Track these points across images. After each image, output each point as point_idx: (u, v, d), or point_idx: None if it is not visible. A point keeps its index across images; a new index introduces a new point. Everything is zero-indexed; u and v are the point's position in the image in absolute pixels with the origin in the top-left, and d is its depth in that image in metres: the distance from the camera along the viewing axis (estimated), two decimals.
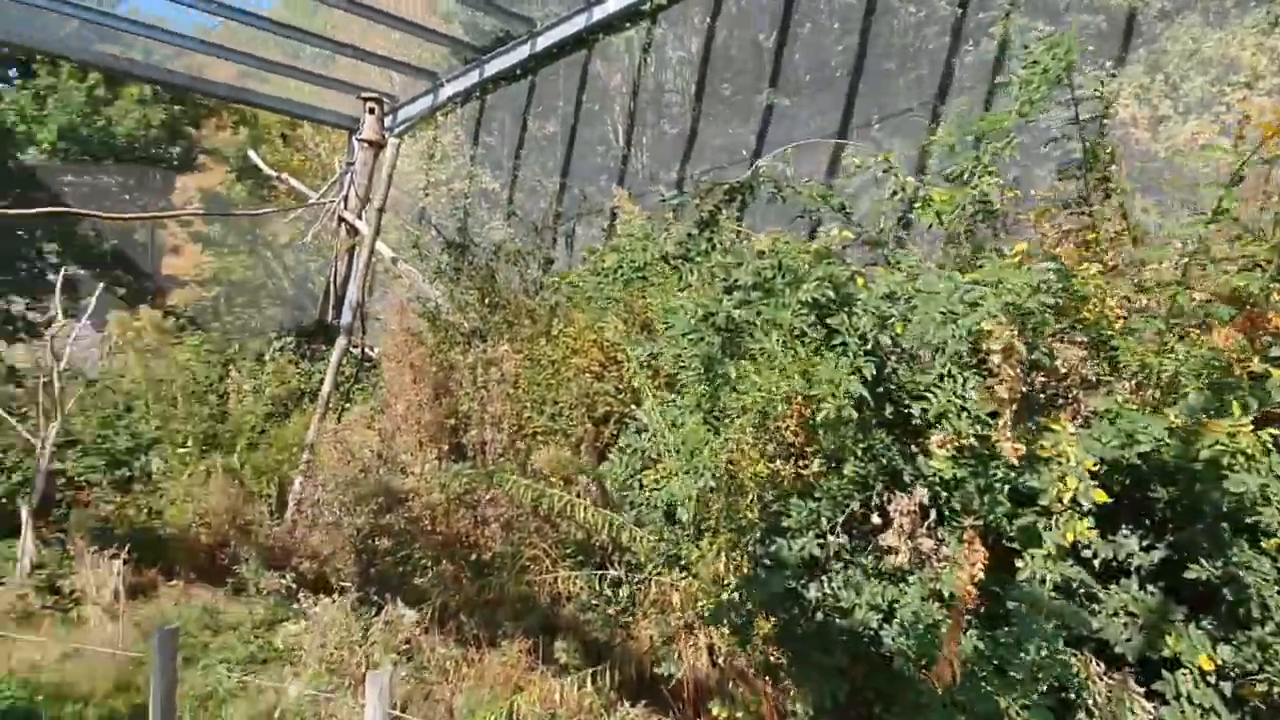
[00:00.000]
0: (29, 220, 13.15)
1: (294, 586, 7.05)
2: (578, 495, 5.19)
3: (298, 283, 23.98)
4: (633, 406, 5.86)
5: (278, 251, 23.56)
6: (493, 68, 13.73)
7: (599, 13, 12.37)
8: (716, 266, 5.70)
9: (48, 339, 9.36)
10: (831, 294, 4.60)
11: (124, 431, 9.43)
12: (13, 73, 14.47)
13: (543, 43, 13.06)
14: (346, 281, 12.80)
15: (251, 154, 13.05)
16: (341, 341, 7.52)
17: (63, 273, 8.51)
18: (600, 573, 5.52)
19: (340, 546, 6.74)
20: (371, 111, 12.51)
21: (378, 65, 14.56)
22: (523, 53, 13.31)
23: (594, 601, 5.55)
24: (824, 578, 4.54)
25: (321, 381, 10.08)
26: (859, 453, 4.47)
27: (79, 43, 12.55)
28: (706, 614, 4.53)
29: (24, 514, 7.37)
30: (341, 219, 12.38)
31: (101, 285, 8.17)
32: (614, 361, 6.70)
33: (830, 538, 4.56)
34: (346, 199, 12.49)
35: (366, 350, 11.49)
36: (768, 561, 4.52)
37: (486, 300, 7.98)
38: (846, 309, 4.61)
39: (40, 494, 7.29)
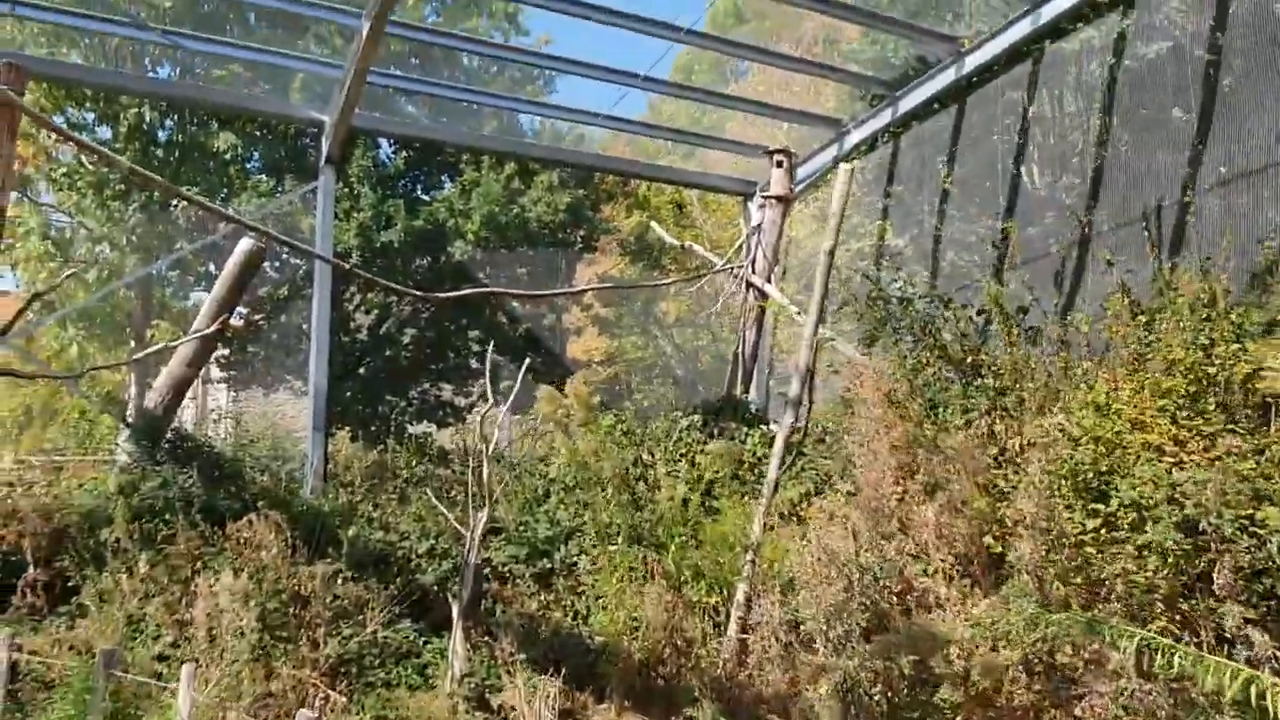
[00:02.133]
0: (460, 302, 13.86)
1: None
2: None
3: (686, 360, 23.93)
4: None
5: (667, 330, 23.69)
6: (908, 103, 12.08)
7: (1049, 11, 10.20)
8: None
9: (475, 422, 8.95)
10: None
11: (543, 517, 8.80)
12: (445, 179, 15.64)
13: (972, 62, 11.14)
14: (755, 352, 11.63)
15: (655, 226, 12.68)
16: (787, 419, 5.98)
17: (489, 357, 8.01)
18: None
19: (814, 688, 5.17)
20: (779, 165, 11.45)
21: (772, 117, 13.65)
22: (946, 78, 11.52)
23: None
24: None
25: (747, 465, 8.87)
26: None
27: (497, 138, 13.26)
28: None
29: (454, 610, 6.72)
30: (749, 284, 11.27)
31: (526, 365, 7.56)
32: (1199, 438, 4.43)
33: None
34: (754, 262, 11.38)
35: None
36: None
37: (968, 360, 6.08)
38: None
39: (469, 588, 6.55)
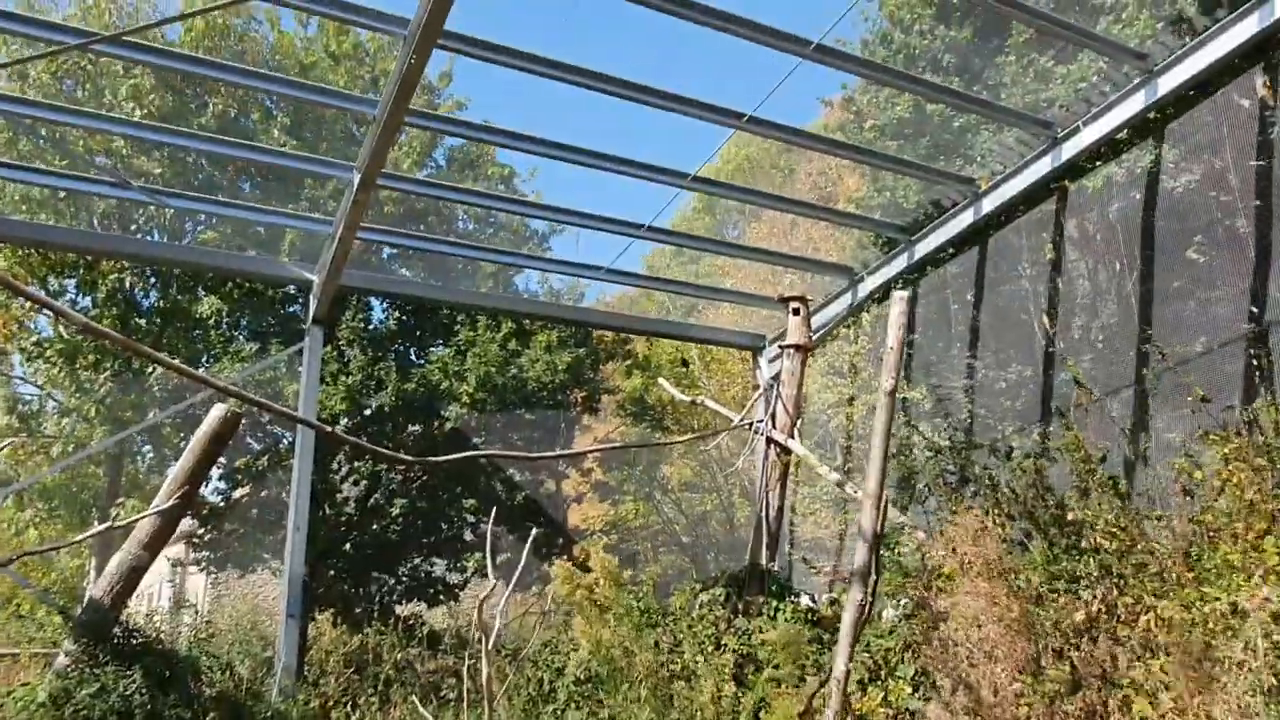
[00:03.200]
0: (454, 470, 12.88)
1: None
2: None
3: (693, 527, 22.65)
4: None
5: (672, 495, 22.56)
6: (924, 247, 11.64)
7: (1069, 150, 9.87)
8: None
9: (475, 603, 7.74)
10: None
11: None
12: (438, 342, 15.04)
13: (990, 203, 10.76)
14: (780, 515, 10.56)
15: (663, 382, 11.92)
16: (855, 594, 4.97)
17: (489, 529, 6.97)
18: None
19: None
20: (796, 312, 10.82)
21: (782, 265, 13.21)
22: (963, 221, 11.11)
23: None
24: None
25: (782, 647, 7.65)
26: None
27: (494, 296, 12.75)
28: None
29: None
30: (770, 440, 10.36)
31: (531, 537, 6.54)
32: None
33: None
34: (774, 417, 10.53)
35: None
36: None
37: (1058, 520, 5.12)
38: None
39: None
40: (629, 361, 19.27)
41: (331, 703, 8.38)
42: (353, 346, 13.37)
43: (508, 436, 15.33)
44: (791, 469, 10.77)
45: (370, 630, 13.30)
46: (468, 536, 17.65)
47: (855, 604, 5.26)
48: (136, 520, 8.01)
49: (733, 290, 13.56)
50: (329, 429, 6.88)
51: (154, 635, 8.06)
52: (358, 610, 17.01)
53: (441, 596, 18.70)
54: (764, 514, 10.92)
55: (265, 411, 10.77)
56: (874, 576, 5.89)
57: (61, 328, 14.45)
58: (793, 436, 10.59)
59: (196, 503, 11.75)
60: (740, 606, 9.79)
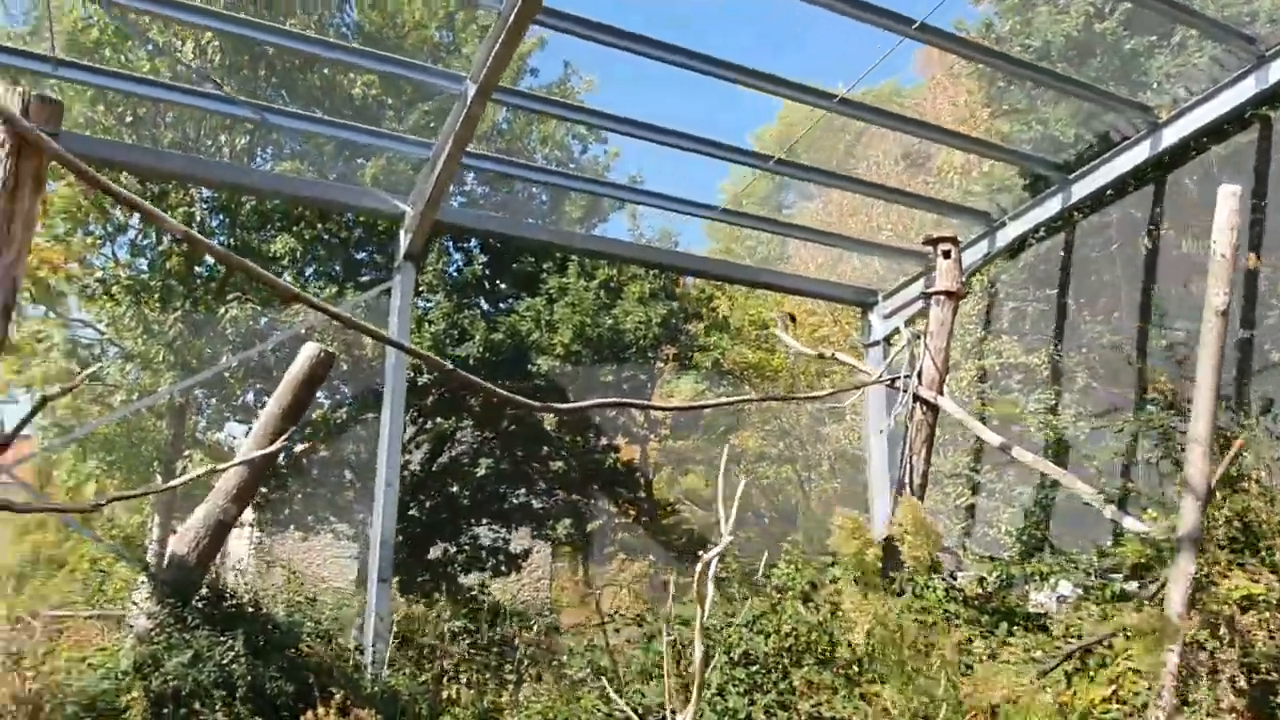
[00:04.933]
0: (535, 427, 11.91)
1: None
2: None
3: (768, 496, 21.59)
4: None
5: (745, 466, 21.48)
6: (1084, 187, 10.35)
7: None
8: None
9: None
10: None
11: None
12: (520, 292, 14.04)
13: (1172, 135, 9.47)
14: (925, 483, 9.46)
15: (779, 333, 10.76)
16: (1185, 566, 3.84)
17: (721, 481, 5.85)
18: None
19: None
20: (946, 255, 9.66)
21: (924, 210, 12.00)
22: (1136, 156, 9.80)
23: None
24: None
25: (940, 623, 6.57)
26: None
27: (595, 238, 11.71)
28: None
29: None
30: (917, 398, 9.25)
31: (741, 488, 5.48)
32: None
33: None
34: (920, 373, 9.41)
35: None
36: None
37: None
38: None
39: None
40: (708, 322, 18.17)
41: (446, 676, 7.46)
42: (436, 293, 12.42)
43: (598, 391, 14.35)
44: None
45: (441, 601, 12.49)
46: (534, 504, 16.75)
47: (1186, 577, 4.18)
48: (234, 465, 7.09)
49: (861, 240, 12.36)
50: (449, 365, 5.90)
51: (248, 598, 7.15)
52: (421, 580, 16.22)
53: (504, 567, 17.89)
54: (908, 480, 9.87)
55: (391, 346, 9.81)
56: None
57: (121, 269, 13.63)
58: (941, 393, 9.50)
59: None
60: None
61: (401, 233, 9.87)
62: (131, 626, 8.26)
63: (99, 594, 10.08)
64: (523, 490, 14.73)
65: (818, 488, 20.42)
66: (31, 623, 11.26)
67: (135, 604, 8.78)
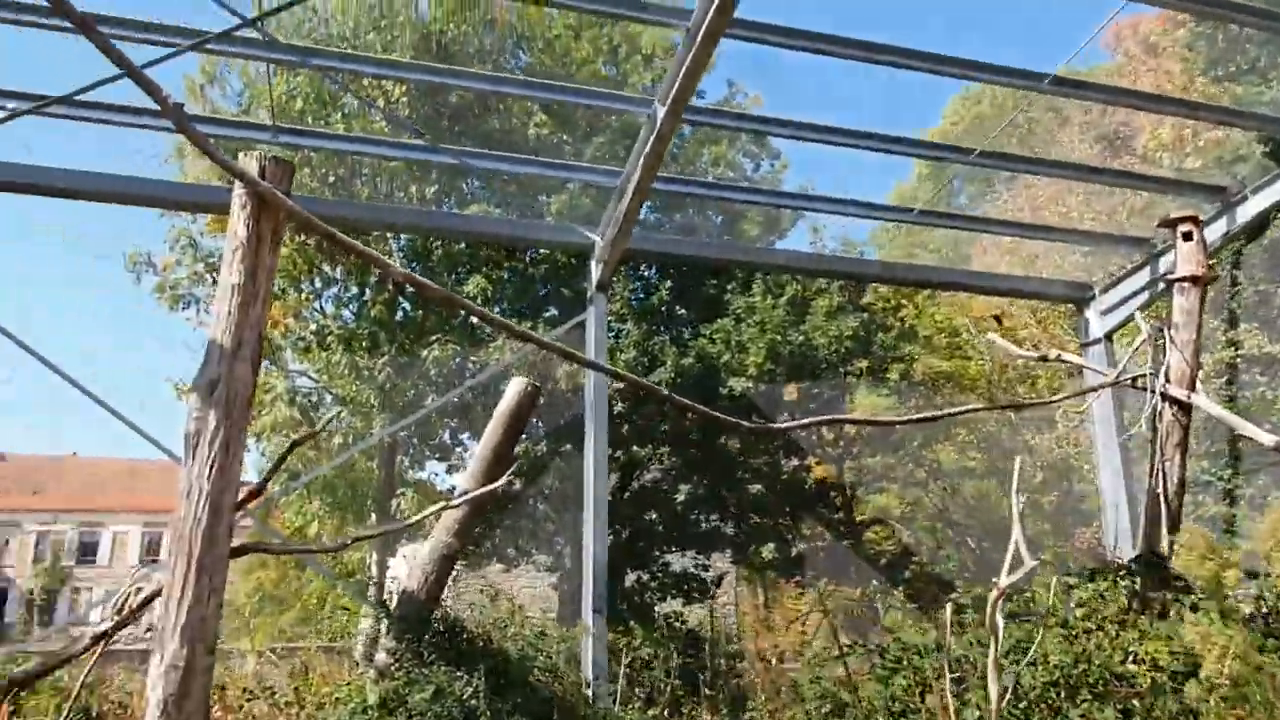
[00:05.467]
0: (728, 450, 11.63)
1: None
2: None
3: (971, 514, 20.26)
4: None
5: (947, 480, 20.33)
6: None
7: None
8: None
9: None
10: None
11: None
12: (705, 313, 13.86)
13: None
14: (1181, 490, 8.51)
15: (994, 337, 10.05)
16: None
17: (1014, 502, 5.40)
18: None
19: None
20: (1188, 237, 8.74)
21: (1139, 188, 10.97)
22: None
23: None
24: None
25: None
26: None
27: (784, 252, 11.39)
28: None
29: None
30: (1166, 397, 8.34)
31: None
32: None
33: None
34: (1167, 370, 8.50)
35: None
36: None
37: None
38: None
39: None
40: (894, 333, 17.38)
41: (676, 709, 7.26)
42: (624, 322, 12.47)
43: (778, 413, 13.99)
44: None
45: (637, 630, 12.31)
46: (730, 529, 16.45)
47: None
48: (461, 501, 7.23)
49: (1080, 231, 11.42)
50: (664, 392, 5.72)
51: (481, 632, 7.22)
52: (620, 609, 16.22)
53: (696, 594, 17.64)
54: (1162, 488, 8.90)
55: (606, 374, 9.89)
56: None
57: (329, 321, 14.51)
58: (1194, 390, 8.53)
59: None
60: (1138, 606, 7.86)
61: (592, 264, 9.92)
62: (361, 661, 8.58)
63: (341, 629, 10.58)
64: (716, 515, 14.50)
65: (1030, 502, 19.02)
66: (273, 656, 12.01)
67: (360, 635, 9.13)
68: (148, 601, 5.94)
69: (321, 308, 14.82)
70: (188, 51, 7.56)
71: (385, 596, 9.94)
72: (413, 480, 16.53)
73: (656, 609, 17.77)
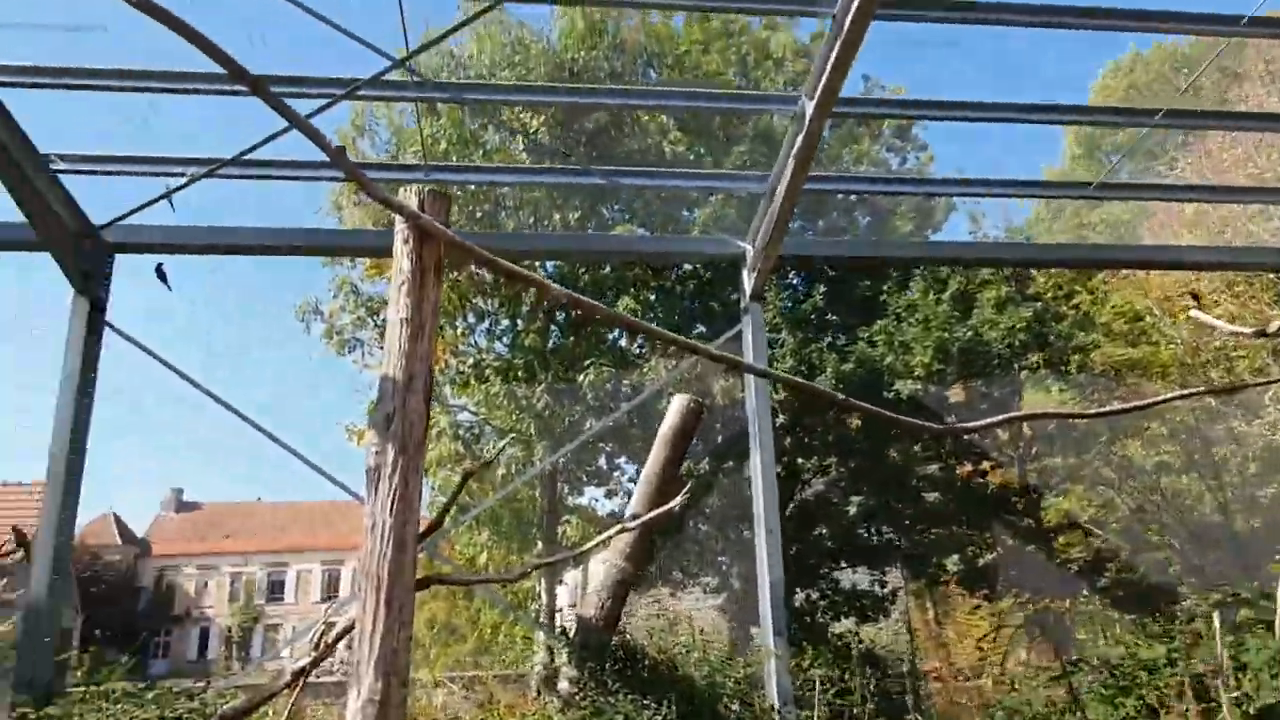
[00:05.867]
0: (898, 458, 11.01)
1: None
2: None
3: (1176, 511, 18.45)
4: None
5: (1140, 480, 18.68)
6: None
7: None
8: None
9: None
10: None
11: None
12: (856, 318, 13.31)
13: None
14: None
15: (1196, 313, 8.98)
16: None
17: None
18: None
19: None
20: None
21: None
22: None
23: None
24: None
25: None
26: None
27: (949, 244, 10.77)
28: None
29: None
30: None
31: None
32: None
33: None
34: None
35: None
36: None
37: None
38: None
39: None
40: (1070, 321, 16.16)
41: None
42: (779, 331, 12.11)
43: (947, 416, 13.18)
44: None
45: (809, 650, 11.76)
46: (905, 541, 15.65)
47: None
48: (642, 522, 7.07)
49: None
50: (839, 397, 5.34)
51: (663, 658, 6.99)
52: (791, 629, 15.66)
53: (870, 611, 16.85)
54: None
55: (780, 384, 9.62)
56: None
57: (483, 354, 14.83)
58: None
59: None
60: None
61: (744, 274, 9.63)
62: (541, 689, 8.52)
63: (518, 657, 10.67)
64: (889, 528, 13.81)
65: (1242, 498, 17.22)
66: (453, 686, 12.22)
67: (541, 666, 9.08)
68: (341, 636, 6.07)
69: (475, 342, 15.22)
70: (342, 101, 7.83)
71: (558, 624, 9.92)
72: (573, 506, 16.62)
73: (830, 628, 17.08)
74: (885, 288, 12.64)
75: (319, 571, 54.37)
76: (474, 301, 14.26)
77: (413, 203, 5.25)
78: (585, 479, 17.17)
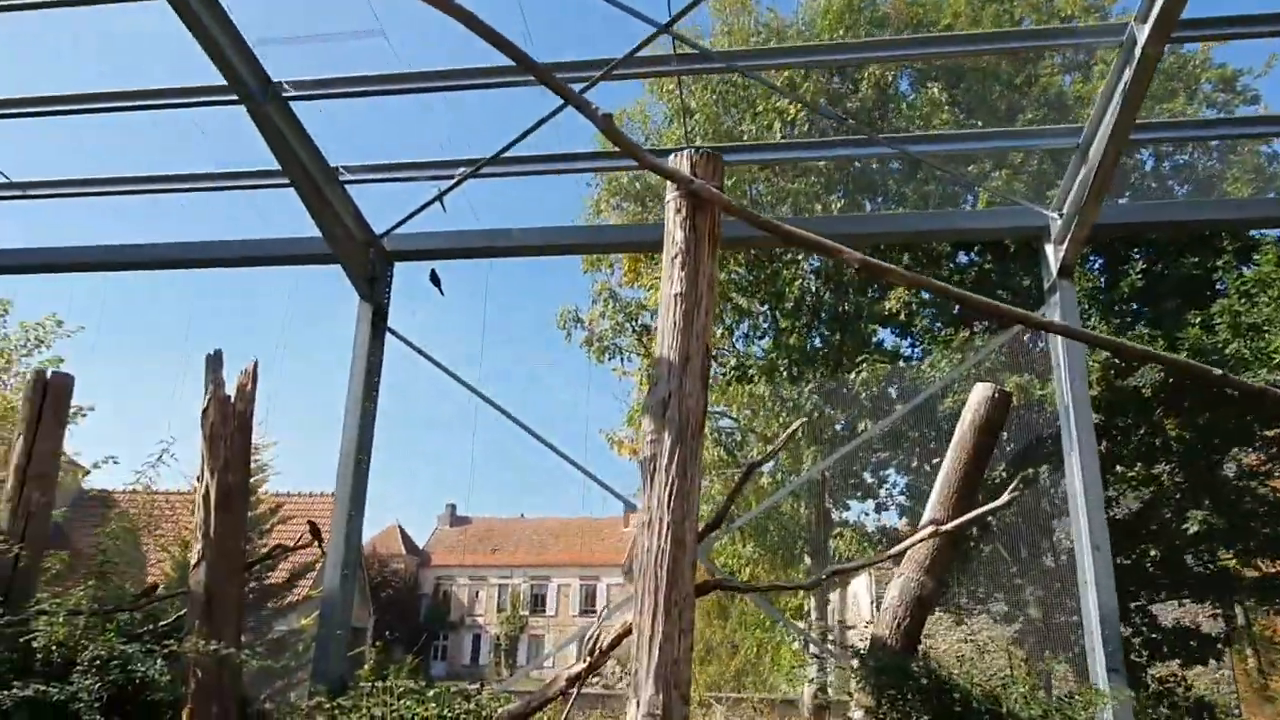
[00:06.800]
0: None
1: None
2: None
3: None
4: None
5: None
6: None
7: None
8: None
9: None
10: None
11: None
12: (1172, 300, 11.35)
13: None
14: None
15: None
16: None
17: None
18: None
19: None
20: None
21: None
22: None
23: None
24: None
25: None
26: None
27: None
28: None
29: None
30: None
31: None
32: None
33: None
34: None
35: None
36: None
37: None
38: None
39: None
40: None
41: None
42: (1087, 317, 10.50)
43: None
44: None
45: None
46: (1250, 570, 13.14)
47: None
48: (957, 525, 6.13)
49: None
50: (1217, 372, 4.24)
51: (977, 691, 5.95)
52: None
53: (1199, 653, 14.27)
54: None
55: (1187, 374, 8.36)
56: None
57: (742, 357, 14.26)
58: None
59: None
60: None
61: (1047, 249, 8.34)
62: (809, 713, 7.70)
63: (788, 675, 9.94)
64: (1230, 553, 11.51)
65: None
66: (720, 707, 11.64)
67: (813, 686, 8.23)
68: (615, 644, 5.69)
69: (734, 345, 14.69)
70: (608, 77, 7.54)
71: (831, 641, 9.04)
72: (837, 520, 15.58)
73: (1149, 669, 14.75)
74: (1220, 263, 10.58)
75: (577, 585, 56.72)
76: (733, 299, 13.76)
77: (685, 166, 4.72)
78: (849, 490, 16.03)
